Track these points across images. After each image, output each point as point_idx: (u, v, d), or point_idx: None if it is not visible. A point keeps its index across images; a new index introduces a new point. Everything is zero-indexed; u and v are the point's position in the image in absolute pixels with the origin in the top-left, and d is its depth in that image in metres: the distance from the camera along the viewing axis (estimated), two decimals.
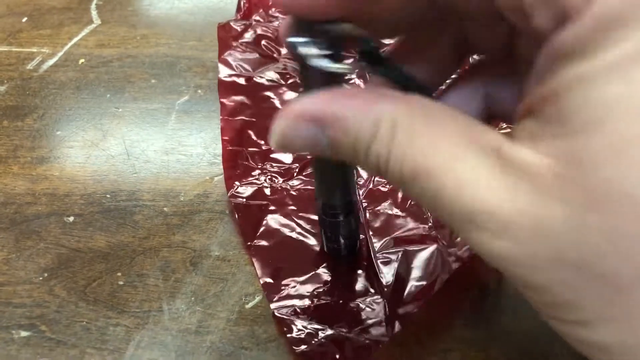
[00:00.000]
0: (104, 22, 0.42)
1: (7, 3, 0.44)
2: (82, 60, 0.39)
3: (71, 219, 0.29)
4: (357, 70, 0.19)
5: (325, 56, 0.16)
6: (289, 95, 0.35)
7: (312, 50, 0.16)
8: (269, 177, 0.30)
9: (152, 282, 0.26)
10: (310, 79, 0.18)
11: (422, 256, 0.26)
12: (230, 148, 0.31)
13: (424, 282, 0.25)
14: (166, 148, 0.33)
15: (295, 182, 0.30)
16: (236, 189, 0.30)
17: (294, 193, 0.30)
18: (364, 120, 0.16)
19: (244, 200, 0.29)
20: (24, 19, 0.43)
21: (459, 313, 0.25)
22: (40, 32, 0.41)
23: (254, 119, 0.33)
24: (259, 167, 0.31)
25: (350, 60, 0.18)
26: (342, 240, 0.26)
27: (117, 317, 0.25)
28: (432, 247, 0.26)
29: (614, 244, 0.13)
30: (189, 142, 0.33)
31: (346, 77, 0.18)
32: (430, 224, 0.27)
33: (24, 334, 0.25)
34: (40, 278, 0.27)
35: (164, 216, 0.29)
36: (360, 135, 0.16)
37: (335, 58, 0.17)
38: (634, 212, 0.12)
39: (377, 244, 0.27)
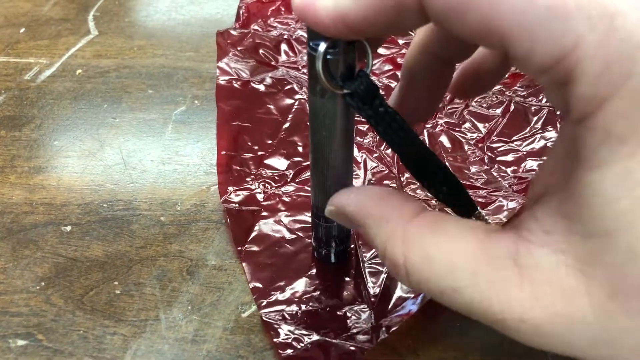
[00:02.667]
0: (101, 33, 0.43)
1: (5, 14, 0.45)
2: (79, 71, 0.39)
3: (68, 228, 0.29)
4: (342, 92, 0.19)
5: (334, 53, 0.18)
6: (286, 101, 0.35)
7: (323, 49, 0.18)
8: (262, 182, 0.31)
9: (149, 291, 0.27)
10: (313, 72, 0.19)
11: None
12: (224, 152, 0.32)
13: (410, 296, 0.25)
14: (163, 158, 0.33)
15: (288, 188, 0.31)
16: (229, 194, 0.30)
17: (286, 199, 0.30)
18: (379, 233, 0.18)
19: (237, 205, 0.30)
20: (22, 30, 0.43)
21: (453, 321, 0.26)
22: (38, 43, 0.42)
23: (249, 124, 0.33)
24: (253, 172, 0.31)
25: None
26: (334, 246, 0.26)
27: (114, 326, 0.25)
28: None
29: (637, 322, 0.14)
30: (185, 152, 0.33)
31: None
32: None
33: (20, 343, 0.25)
34: (37, 287, 0.27)
35: (161, 225, 0.29)
36: (376, 244, 0.19)
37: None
38: None
39: (366, 254, 0.27)
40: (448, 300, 0.17)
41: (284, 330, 0.24)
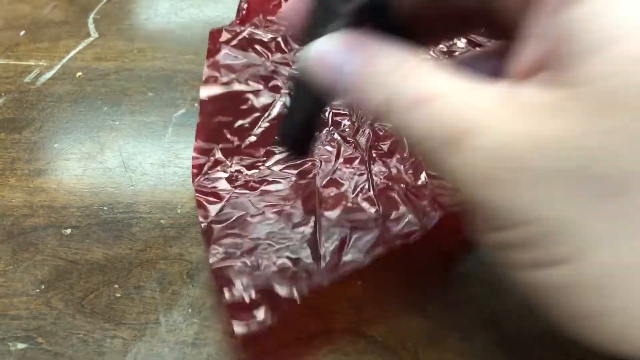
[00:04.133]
0: (101, 36, 0.43)
1: (5, 17, 0.45)
2: (79, 74, 0.39)
3: (68, 231, 0.29)
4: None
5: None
6: (269, 95, 0.35)
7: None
8: (237, 169, 0.31)
9: (149, 294, 0.27)
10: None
11: (365, 239, 0.27)
12: (201, 143, 0.32)
13: (361, 262, 0.26)
14: (163, 161, 0.33)
15: (263, 173, 0.31)
16: (201, 180, 0.30)
17: (257, 185, 0.30)
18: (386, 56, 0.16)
19: (209, 189, 0.30)
20: (22, 33, 0.43)
21: (455, 326, 0.25)
22: (38, 46, 0.42)
23: (231, 118, 0.34)
24: (229, 160, 0.31)
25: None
26: (298, 122, 0.23)
27: (114, 329, 0.25)
28: (376, 232, 0.27)
29: (621, 142, 0.12)
30: (185, 155, 0.33)
31: None
32: (376, 209, 0.28)
33: (20, 346, 0.25)
34: (37, 290, 0.27)
35: (161, 228, 0.29)
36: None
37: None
38: None
39: (325, 214, 0.28)
40: (407, 115, 0.15)
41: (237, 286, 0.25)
